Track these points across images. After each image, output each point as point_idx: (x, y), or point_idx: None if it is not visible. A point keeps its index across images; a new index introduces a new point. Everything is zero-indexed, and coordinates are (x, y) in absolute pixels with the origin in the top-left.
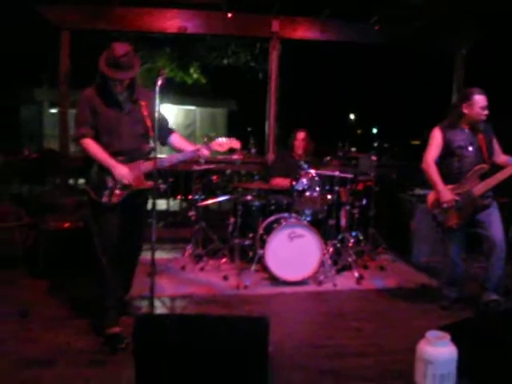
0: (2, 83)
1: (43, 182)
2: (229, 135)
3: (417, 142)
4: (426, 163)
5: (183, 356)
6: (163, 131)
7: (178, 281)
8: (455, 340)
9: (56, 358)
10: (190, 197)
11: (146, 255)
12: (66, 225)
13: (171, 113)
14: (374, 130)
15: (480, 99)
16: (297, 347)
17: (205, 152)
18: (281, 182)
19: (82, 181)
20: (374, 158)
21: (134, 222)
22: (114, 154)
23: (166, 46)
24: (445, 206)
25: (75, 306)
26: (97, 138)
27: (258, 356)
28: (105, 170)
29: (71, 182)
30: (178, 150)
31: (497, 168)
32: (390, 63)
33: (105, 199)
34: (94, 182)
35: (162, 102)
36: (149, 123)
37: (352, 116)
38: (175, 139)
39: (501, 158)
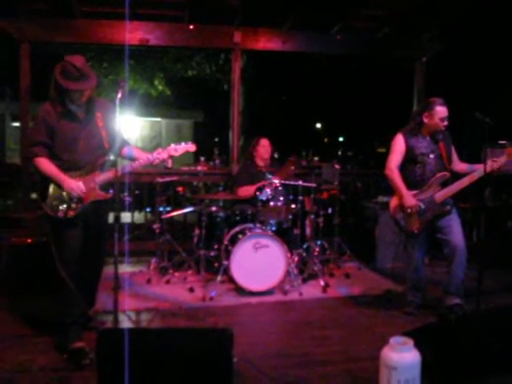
0: None
1: (5, 196)
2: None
3: (383, 150)
4: (389, 169)
5: (147, 370)
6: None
7: (143, 294)
8: (419, 345)
9: (17, 377)
10: (154, 208)
11: (110, 269)
12: (29, 240)
13: (136, 125)
14: (341, 139)
15: (441, 110)
16: (263, 357)
17: (164, 155)
18: (247, 190)
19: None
20: (336, 166)
21: (96, 235)
22: (71, 168)
23: (129, 58)
24: (409, 210)
25: (37, 324)
26: (53, 153)
27: (223, 367)
28: (60, 186)
29: (34, 196)
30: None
31: (456, 175)
32: (353, 71)
33: (60, 214)
34: (49, 197)
35: (125, 113)
36: (104, 134)
37: (319, 125)
38: (130, 150)
39: (459, 165)
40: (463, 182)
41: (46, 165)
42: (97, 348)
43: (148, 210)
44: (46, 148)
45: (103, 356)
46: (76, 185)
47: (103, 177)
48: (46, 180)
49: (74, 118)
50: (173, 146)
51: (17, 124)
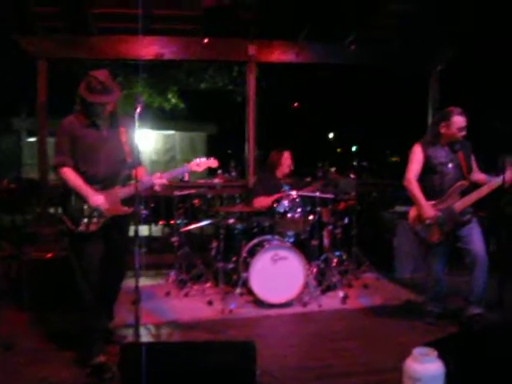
0: None
1: (24, 211)
2: None
3: (395, 159)
4: (407, 180)
5: None
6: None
7: (162, 307)
8: (442, 356)
9: None
10: (172, 222)
11: (129, 282)
12: (49, 255)
13: (150, 138)
14: (353, 148)
15: (459, 120)
16: (284, 370)
17: (163, 180)
18: (263, 200)
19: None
20: (352, 176)
21: (116, 249)
22: (92, 181)
23: (143, 71)
24: (428, 221)
25: (60, 338)
26: (76, 165)
27: (246, 381)
28: (82, 199)
29: (52, 210)
30: None
31: (475, 185)
32: (366, 81)
33: (82, 228)
34: (71, 210)
35: (140, 127)
36: (127, 149)
37: (331, 135)
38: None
39: (478, 175)
40: (482, 191)
41: (71, 176)
42: (120, 362)
43: (165, 222)
44: (72, 158)
45: (126, 370)
46: (102, 199)
47: (125, 191)
48: (69, 192)
49: (98, 130)
50: (195, 161)
51: (32, 139)
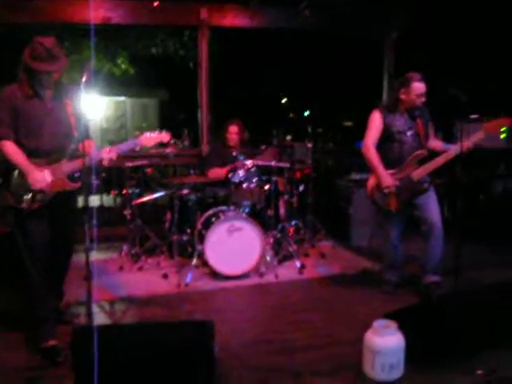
0: None
1: None
2: (161, 126)
3: (349, 124)
4: (365, 147)
5: (125, 366)
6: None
7: (115, 282)
8: (401, 327)
9: None
10: (124, 192)
11: (80, 257)
12: None
13: (100, 105)
14: (306, 113)
15: (418, 86)
16: (243, 345)
17: (112, 155)
18: (217, 172)
19: None
20: (309, 145)
21: (63, 225)
22: (36, 155)
23: (92, 36)
24: (386, 190)
25: (5, 320)
26: (18, 139)
27: (205, 362)
28: (24, 175)
29: None
30: None
31: (431, 153)
32: (319, 46)
33: (24, 205)
34: (13, 186)
35: (89, 93)
36: (73, 121)
37: (284, 100)
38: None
39: (435, 142)
40: (439, 161)
41: (11, 149)
42: (71, 346)
43: (116, 193)
44: (12, 131)
45: (78, 354)
46: (41, 176)
47: (71, 166)
48: (11, 166)
49: (42, 101)
50: (146, 134)
51: None
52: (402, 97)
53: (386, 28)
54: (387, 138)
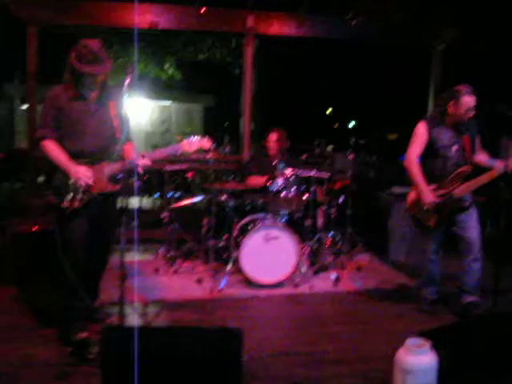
0: None
1: (11, 182)
2: (205, 131)
3: (393, 136)
4: (408, 160)
5: (153, 370)
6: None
7: (150, 285)
8: (435, 347)
9: (21, 372)
10: (163, 196)
11: (118, 258)
12: (35, 228)
13: (146, 109)
14: (351, 125)
15: (468, 100)
16: (272, 355)
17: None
18: (256, 180)
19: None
20: (350, 156)
21: (102, 226)
22: (78, 155)
23: (139, 40)
24: (426, 207)
25: (42, 315)
26: (61, 139)
27: (232, 370)
28: (65, 173)
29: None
30: None
31: (477, 168)
32: (366, 57)
33: (65, 204)
34: (56, 184)
35: (135, 96)
36: (116, 124)
37: (329, 110)
38: (127, 149)
39: (480, 156)
40: (483, 179)
41: (53, 149)
42: (101, 345)
43: (156, 196)
44: (57, 131)
45: (107, 353)
46: (84, 173)
47: (112, 168)
48: (54, 166)
49: (86, 103)
50: (188, 140)
51: (25, 107)
52: (451, 110)
53: (433, 39)
54: (431, 152)
